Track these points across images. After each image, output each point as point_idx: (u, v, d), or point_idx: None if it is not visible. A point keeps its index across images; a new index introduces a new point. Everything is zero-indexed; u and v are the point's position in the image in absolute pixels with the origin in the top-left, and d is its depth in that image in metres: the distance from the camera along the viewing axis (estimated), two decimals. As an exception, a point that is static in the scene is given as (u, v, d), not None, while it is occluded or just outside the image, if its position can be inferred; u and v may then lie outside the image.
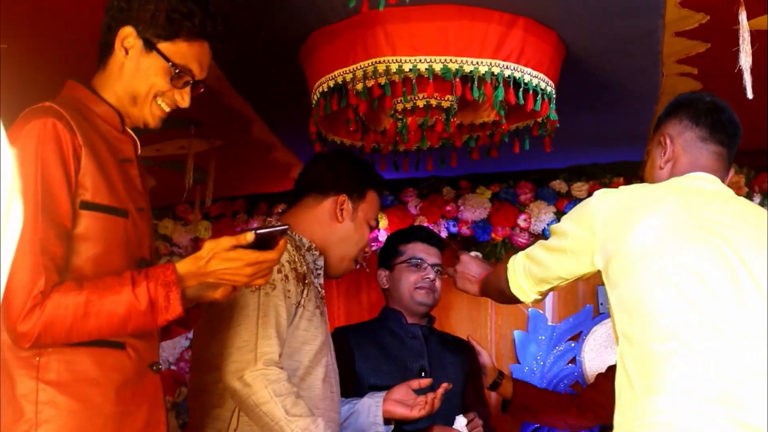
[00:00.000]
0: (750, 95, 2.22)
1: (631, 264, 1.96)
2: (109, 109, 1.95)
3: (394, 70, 2.61)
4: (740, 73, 2.22)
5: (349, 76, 2.68)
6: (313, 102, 2.84)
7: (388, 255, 3.11)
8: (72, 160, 1.79)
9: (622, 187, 2.11)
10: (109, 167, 1.88)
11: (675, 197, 2.04)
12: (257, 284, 1.91)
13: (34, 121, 1.79)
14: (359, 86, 2.66)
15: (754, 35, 2.26)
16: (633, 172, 4.21)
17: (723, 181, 2.15)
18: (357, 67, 2.67)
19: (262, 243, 1.84)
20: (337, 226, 2.58)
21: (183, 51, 1.95)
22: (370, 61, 2.65)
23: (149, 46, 1.93)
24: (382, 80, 2.62)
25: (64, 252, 1.78)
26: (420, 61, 2.60)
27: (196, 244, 4.67)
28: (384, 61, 2.62)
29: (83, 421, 1.78)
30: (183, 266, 1.83)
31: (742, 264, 1.92)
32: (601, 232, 2.02)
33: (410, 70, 2.60)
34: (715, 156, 2.14)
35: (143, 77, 1.94)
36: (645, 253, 1.95)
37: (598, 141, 4.02)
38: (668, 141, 2.16)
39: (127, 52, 1.93)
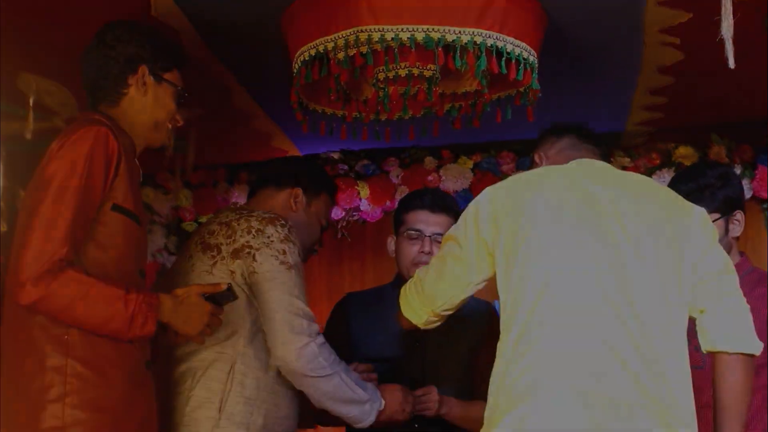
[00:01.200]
0: (732, 65, 2.22)
1: (515, 253, 2.12)
2: (129, 139, 2.27)
3: (376, 39, 2.59)
4: (723, 43, 2.21)
5: (330, 45, 2.66)
6: (294, 70, 2.82)
7: (395, 221, 3.02)
8: (113, 165, 2.11)
9: (508, 179, 2.27)
10: (134, 181, 2.20)
11: (558, 174, 2.20)
12: (200, 341, 2.28)
13: (90, 126, 2.11)
14: (341, 55, 2.64)
15: (736, 5, 2.25)
16: (614, 142, 4.21)
17: None
18: (338, 36, 2.65)
19: (213, 299, 2.22)
20: (291, 215, 2.69)
21: (177, 76, 2.39)
22: (351, 30, 2.62)
23: (158, 79, 2.33)
24: (364, 49, 2.60)
25: (83, 239, 2.06)
26: (402, 30, 2.59)
27: (176, 213, 4.67)
28: (366, 30, 2.60)
29: (103, 394, 2.06)
30: (163, 297, 2.15)
31: (622, 231, 2.05)
32: (501, 222, 2.15)
33: (392, 39, 2.58)
34: (590, 153, 2.31)
35: (161, 105, 2.34)
36: (524, 239, 2.10)
37: (579, 111, 4.02)
38: (542, 156, 2.38)
39: (146, 88, 2.30)
